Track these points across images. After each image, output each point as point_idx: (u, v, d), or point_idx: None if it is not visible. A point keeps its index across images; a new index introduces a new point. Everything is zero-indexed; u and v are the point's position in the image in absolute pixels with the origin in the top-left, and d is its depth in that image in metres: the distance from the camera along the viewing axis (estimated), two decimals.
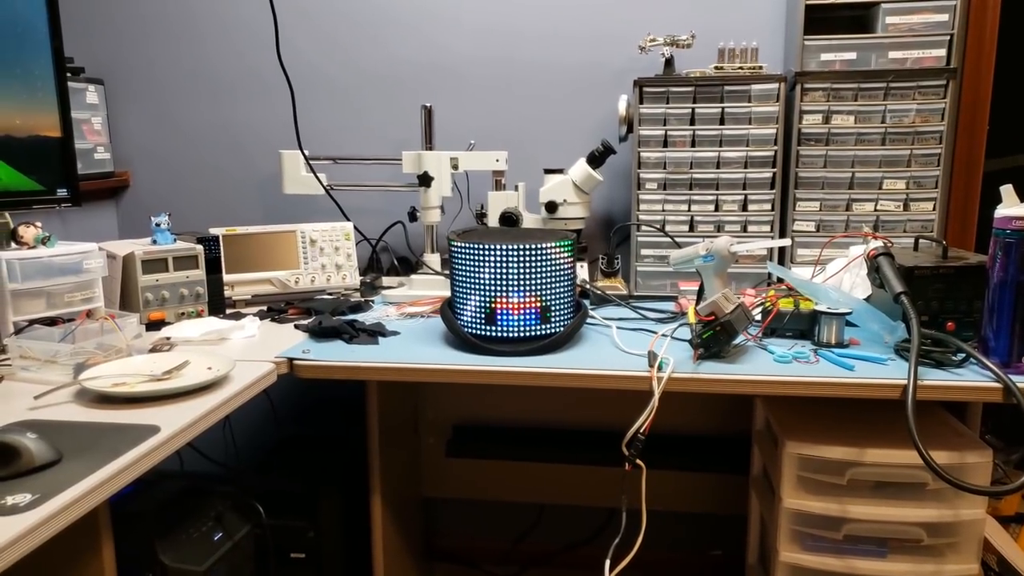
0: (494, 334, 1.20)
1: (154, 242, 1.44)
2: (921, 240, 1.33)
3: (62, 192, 1.28)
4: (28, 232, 1.26)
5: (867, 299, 1.26)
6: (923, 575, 1.14)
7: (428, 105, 1.67)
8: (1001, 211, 1.03)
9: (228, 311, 1.50)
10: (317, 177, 1.72)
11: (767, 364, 1.12)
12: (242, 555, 1.24)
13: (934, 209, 1.49)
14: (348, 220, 1.72)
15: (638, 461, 1.06)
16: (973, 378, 1.04)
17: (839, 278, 1.36)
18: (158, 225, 1.44)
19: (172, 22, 1.93)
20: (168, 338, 1.27)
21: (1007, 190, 1.04)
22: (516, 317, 1.19)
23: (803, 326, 1.24)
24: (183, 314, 1.41)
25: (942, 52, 1.44)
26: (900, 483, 1.13)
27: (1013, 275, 1.03)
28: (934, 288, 1.16)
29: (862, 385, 1.04)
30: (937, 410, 1.26)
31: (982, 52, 1.50)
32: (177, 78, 1.96)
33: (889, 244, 1.24)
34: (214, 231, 1.54)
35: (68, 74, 1.32)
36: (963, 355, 1.08)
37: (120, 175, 1.98)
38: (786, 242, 1.24)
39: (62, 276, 1.24)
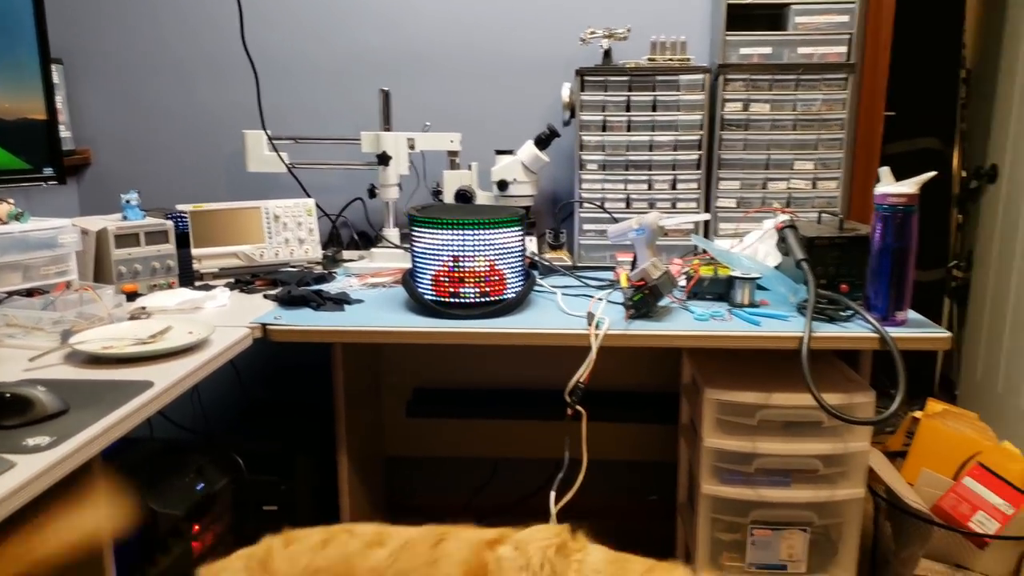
0: (452, 300, 1.33)
1: (124, 218, 1.51)
2: (823, 214, 1.53)
3: (48, 171, 1.35)
4: (2, 208, 1.31)
5: (777, 266, 1.45)
6: (820, 499, 1.32)
7: (386, 89, 1.76)
8: (879, 189, 1.22)
9: (197, 283, 1.58)
10: (280, 156, 1.80)
11: (688, 322, 1.29)
12: (220, 504, 1.35)
13: (838, 187, 1.69)
14: (310, 197, 1.81)
15: (579, 407, 1.22)
16: (857, 330, 1.23)
17: (754, 248, 1.54)
18: (128, 202, 1.51)
19: (131, 1, 1.96)
20: (144, 308, 1.36)
21: (884, 171, 1.22)
22: (472, 285, 1.33)
23: (721, 290, 1.42)
24: (155, 286, 1.49)
25: (843, 49, 1.63)
26: (801, 422, 1.30)
27: (889, 243, 1.22)
28: (831, 255, 1.35)
29: (765, 337, 1.23)
30: (833, 359, 1.45)
31: (879, 49, 1.70)
32: (138, 58, 1.98)
33: (795, 218, 1.43)
34: (182, 207, 1.61)
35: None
36: (851, 311, 1.28)
37: (81, 152, 2.00)
38: (705, 216, 1.41)
39: (38, 250, 1.30)
